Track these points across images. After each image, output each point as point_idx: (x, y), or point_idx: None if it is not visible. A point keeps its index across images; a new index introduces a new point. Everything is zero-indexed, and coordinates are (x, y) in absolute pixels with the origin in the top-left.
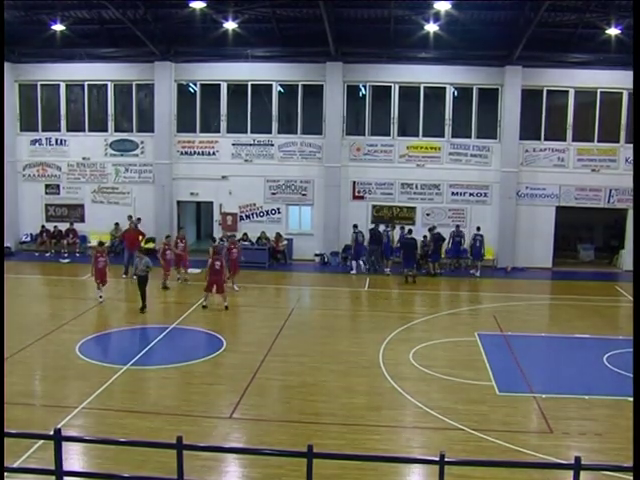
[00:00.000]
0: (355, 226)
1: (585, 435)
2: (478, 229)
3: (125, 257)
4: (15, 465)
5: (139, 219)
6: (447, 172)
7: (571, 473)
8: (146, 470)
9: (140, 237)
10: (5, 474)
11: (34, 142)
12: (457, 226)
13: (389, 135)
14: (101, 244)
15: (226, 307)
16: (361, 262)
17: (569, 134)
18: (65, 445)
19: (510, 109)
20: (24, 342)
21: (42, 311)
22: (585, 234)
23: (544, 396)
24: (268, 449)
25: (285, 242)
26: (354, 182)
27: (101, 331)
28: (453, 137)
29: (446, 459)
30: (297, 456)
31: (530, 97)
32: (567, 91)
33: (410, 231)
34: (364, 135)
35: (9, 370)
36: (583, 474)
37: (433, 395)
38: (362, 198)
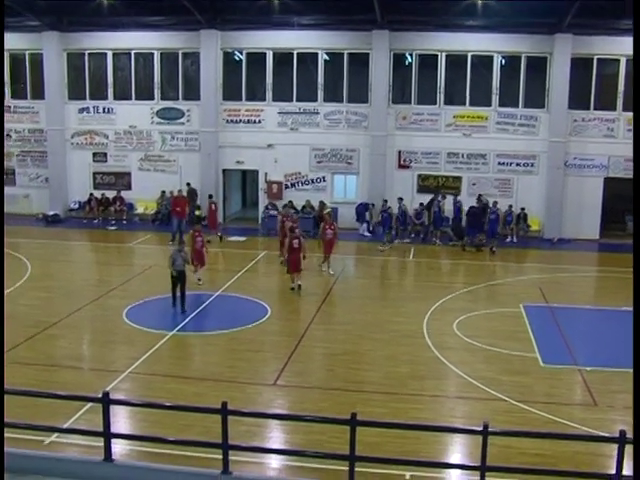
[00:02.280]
0: (420, 204)
1: (630, 408)
2: (495, 203)
3: (174, 225)
4: (65, 426)
5: (188, 184)
6: (494, 142)
7: (615, 447)
8: (191, 434)
9: (187, 204)
10: (56, 434)
11: (82, 110)
12: (479, 195)
13: (435, 104)
14: (198, 220)
15: (297, 287)
16: (384, 235)
17: (619, 103)
18: (112, 408)
19: (559, 78)
20: (73, 307)
21: (90, 277)
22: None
23: (589, 369)
24: (311, 416)
25: (329, 210)
26: (400, 151)
27: (148, 297)
28: (500, 106)
29: (489, 429)
30: (340, 423)
31: (580, 66)
32: (618, 60)
33: (479, 199)
34: (410, 104)
35: (59, 334)
36: (628, 447)
37: (476, 365)
38: (407, 167)
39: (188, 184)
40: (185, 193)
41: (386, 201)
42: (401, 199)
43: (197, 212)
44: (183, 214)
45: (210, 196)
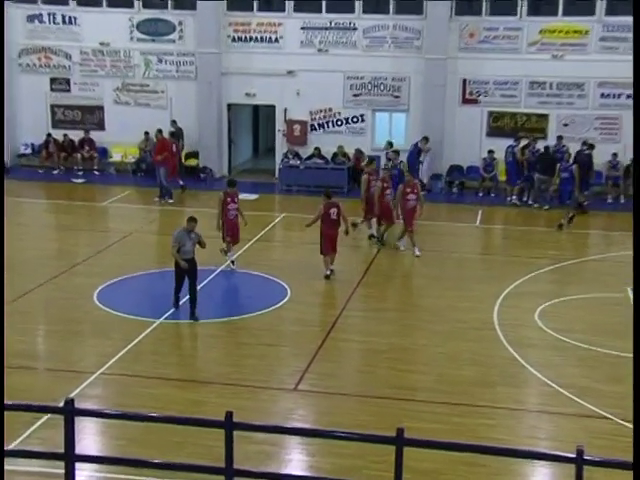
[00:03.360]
0: (490, 152)
1: None
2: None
3: (159, 177)
4: (13, 447)
5: (173, 122)
6: (596, 66)
7: None
8: (183, 455)
9: (174, 147)
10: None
11: (32, 19)
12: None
13: (515, 14)
14: (231, 183)
15: (330, 273)
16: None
17: None
18: (78, 421)
19: None
20: (25, 287)
21: (48, 247)
22: None
23: None
24: (344, 432)
25: (367, 160)
26: (465, 80)
27: (127, 274)
28: (607, 15)
29: (585, 457)
30: (383, 442)
31: None
32: None
33: (586, 145)
34: (480, 15)
35: (6, 323)
36: None
37: (567, 370)
38: (475, 102)
39: (173, 122)
40: (167, 135)
41: (491, 152)
42: (491, 152)
43: (191, 161)
44: (171, 162)
45: (159, 131)
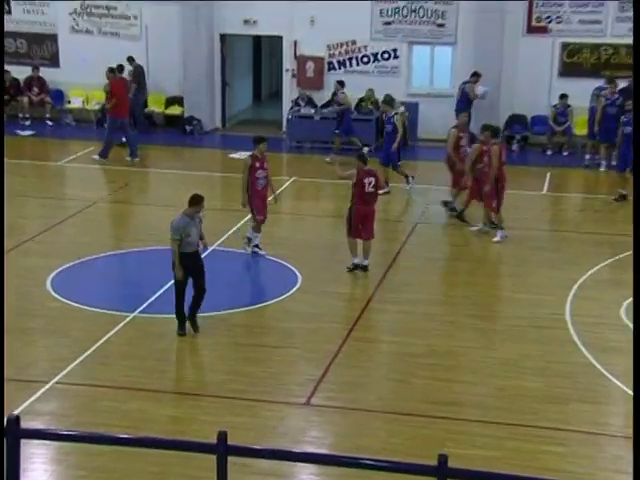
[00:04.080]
0: (563, 97)
1: None
2: None
3: (109, 131)
4: None
5: (130, 60)
6: None
7: None
8: None
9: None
10: None
11: None
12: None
13: None
14: (260, 141)
15: (355, 267)
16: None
17: None
18: (25, 445)
19: None
20: None
21: None
22: None
23: None
24: (370, 459)
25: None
26: (530, 2)
27: (90, 254)
28: None
29: None
30: (420, 473)
31: None
32: None
33: None
34: None
35: None
36: None
37: None
38: (544, 31)
39: (130, 60)
40: (128, 75)
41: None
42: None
43: (174, 109)
44: (123, 111)
45: (111, 70)
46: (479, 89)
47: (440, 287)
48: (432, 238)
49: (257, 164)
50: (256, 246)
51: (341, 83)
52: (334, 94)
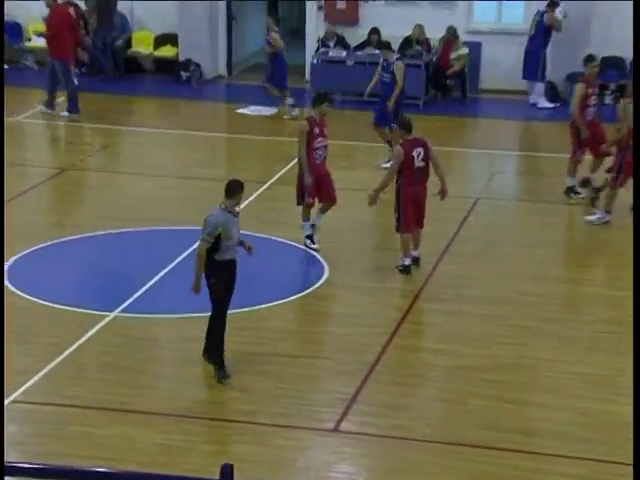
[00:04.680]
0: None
1: None
2: None
3: (52, 77)
4: None
5: None
6: None
7: None
8: None
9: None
10: None
11: None
12: None
13: None
14: (323, 97)
15: (410, 263)
16: None
17: None
18: None
19: None
20: None
21: None
22: None
23: None
24: None
25: (464, 51)
26: None
27: (58, 237)
28: None
29: None
30: None
31: None
32: None
33: None
34: None
35: None
36: None
37: None
38: None
39: None
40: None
41: None
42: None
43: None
44: (64, 52)
45: None
46: (558, 13)
47: (507, 281)
48: (497, 218)
49: (316, 130)
50: (308, 237)
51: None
52: (369, 34)
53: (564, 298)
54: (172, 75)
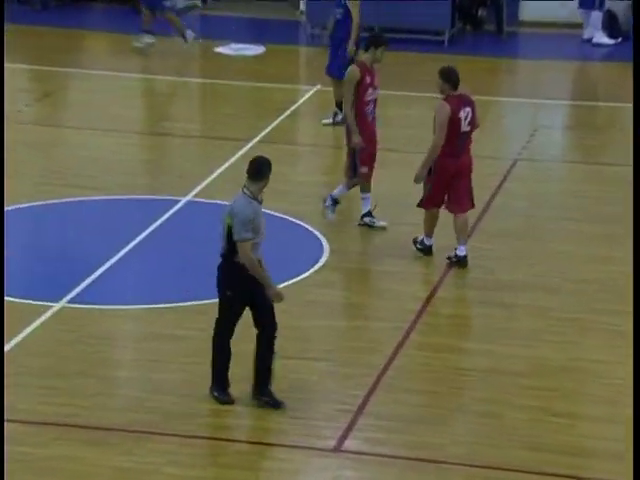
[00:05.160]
0: None
1: None
2: None
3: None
4: None
5: None
6: None
7: None
8: None
9: None
10: None
11: None
12: None
13: None
14: (379, 43)
15: (461, 259)
16: None
17: None
18: None
19: None
20: None
21: None
22: None
23: None
24: None
25: None
26: None
27: None
28: None
29: None
30: None
31: None
32: None
33: None
34: None
35: None
36: None
37: None
38: None
39: None
40: None
41: None
42: None
43: None
44: None
45: None
46: None
47: (552, 264)
48: (541, 185)
49: (367, 79)
50: (367, 215)
51: None
52: None
53: (622, 285)
54: (129, 4)
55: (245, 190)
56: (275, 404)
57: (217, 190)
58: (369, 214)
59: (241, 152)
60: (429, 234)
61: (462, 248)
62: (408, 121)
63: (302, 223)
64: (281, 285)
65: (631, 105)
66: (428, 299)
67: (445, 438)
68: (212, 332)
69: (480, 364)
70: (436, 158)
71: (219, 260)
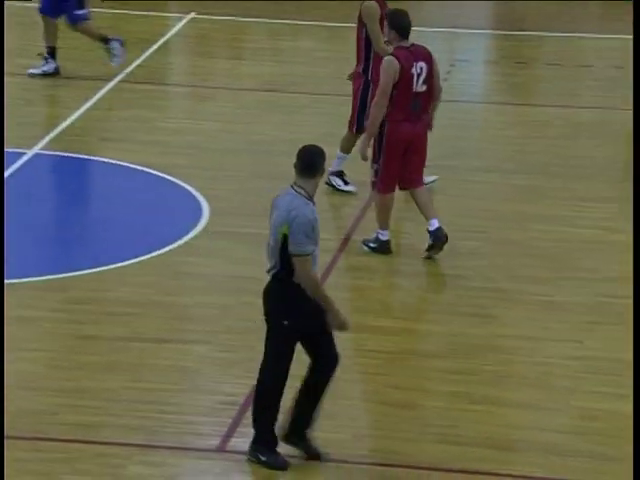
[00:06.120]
0: None
1: None
2: None
3: None
4: None
5: None
6: None
7: None
8: None
9: None
10: None
11: None
12: None
13: None
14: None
15: (439, 238)
16: None
17: None
18: None
19: None
20: None
21: None
22: None
23: None
24: None
25: None
26: None
27: None
28: None
29: None
30: None
31: None
32: None
33: None
34: None
35: None
36: None
37: None
38: None
39: None
40: None
41: None
42: None
43: None
44: None
45: None
46: None
47: (473, 221)
48: (461, 130)
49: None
50: (337, 175)
51: None
52: None
53: (554, 247)
54: None
55: (297, 189)
56: (317, 454)
57: (70, 141)
58: (340, 174)
59: (99, 94)
60: (385, 226)
61: (434, 221)
62: None
63: (175, 179)
64: (148, 255)
65: (561, 36)
66: (328, 269)
67: (346, 433)
68: (64, 311)
69: (387, 344)
70: (388, 127)
71: (267, 281)
